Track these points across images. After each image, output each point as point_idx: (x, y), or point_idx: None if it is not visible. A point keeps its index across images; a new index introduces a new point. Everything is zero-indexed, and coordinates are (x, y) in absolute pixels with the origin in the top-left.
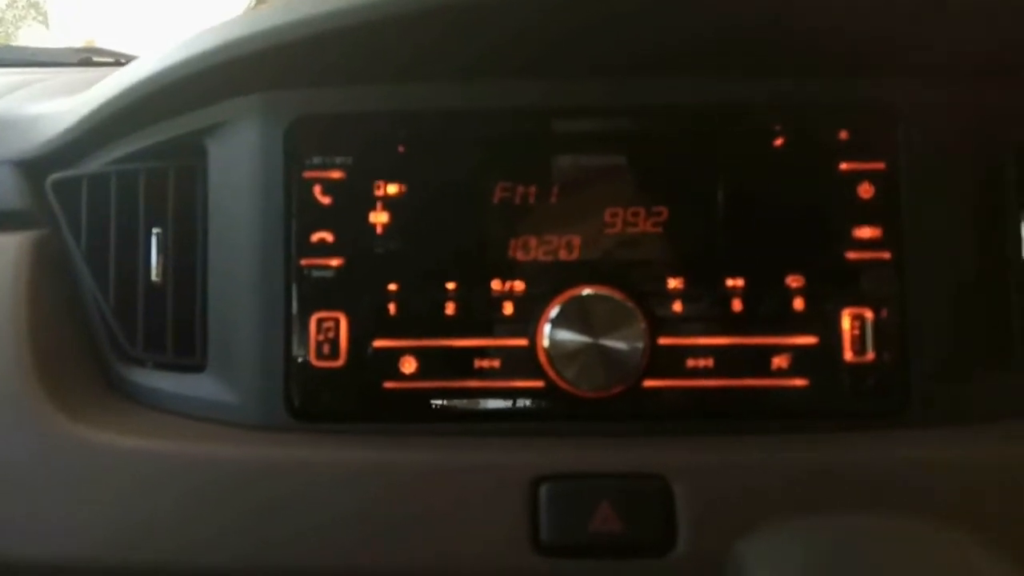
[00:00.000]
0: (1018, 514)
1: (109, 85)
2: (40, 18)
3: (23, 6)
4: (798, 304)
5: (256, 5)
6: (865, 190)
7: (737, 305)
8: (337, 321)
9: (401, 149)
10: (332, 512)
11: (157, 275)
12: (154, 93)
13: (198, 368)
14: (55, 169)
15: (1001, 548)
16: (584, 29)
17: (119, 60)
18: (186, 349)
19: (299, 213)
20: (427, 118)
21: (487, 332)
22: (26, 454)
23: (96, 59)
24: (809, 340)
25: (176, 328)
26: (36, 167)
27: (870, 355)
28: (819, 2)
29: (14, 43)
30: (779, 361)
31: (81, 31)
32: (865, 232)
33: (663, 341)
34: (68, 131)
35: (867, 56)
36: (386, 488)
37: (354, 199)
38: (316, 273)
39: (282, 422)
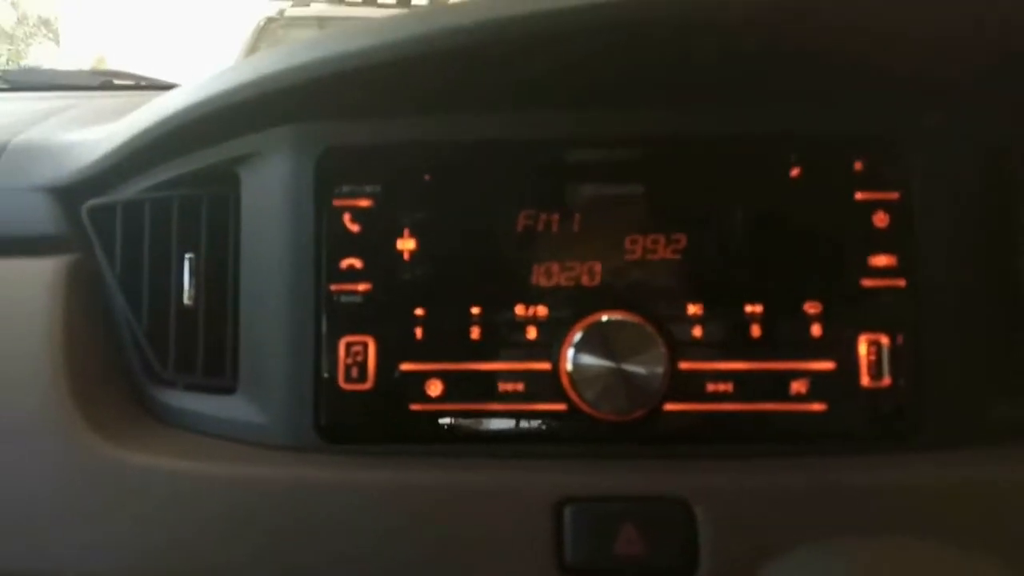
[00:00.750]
0: None
1: (144, 115)
2: (51, 35)
3: (34, 23)
4: (816, 330)
5: (264, 26)
6: (880, 219)
7: (756, 330)
8: (365, 345)
9: (427, 178)
10: (359, 533)
11: (189, 299)
12: (189, 124)
13: (229, 390)
14: (90, 196)
15: (1018, 570)
16: (604, 62)
17: (138, 83)
18: (217, 371)
19: (329, 240)
20: (453, 149)
21: (511, 356)
22: (60, 474)
23: (116, 82)
24: (827, 365)
25: (207, 350)
26: (71, 194)
27: (886, 380)
28: (835, 36)
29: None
30: (797, 386)
31: (91, 48)
32: (880, 260)
33: (683, 366)
34: (103, 159)
35: (880, 88)
36: (412, 509)
37: (382, 227)
38: (345, 298)
39: (311, 443)
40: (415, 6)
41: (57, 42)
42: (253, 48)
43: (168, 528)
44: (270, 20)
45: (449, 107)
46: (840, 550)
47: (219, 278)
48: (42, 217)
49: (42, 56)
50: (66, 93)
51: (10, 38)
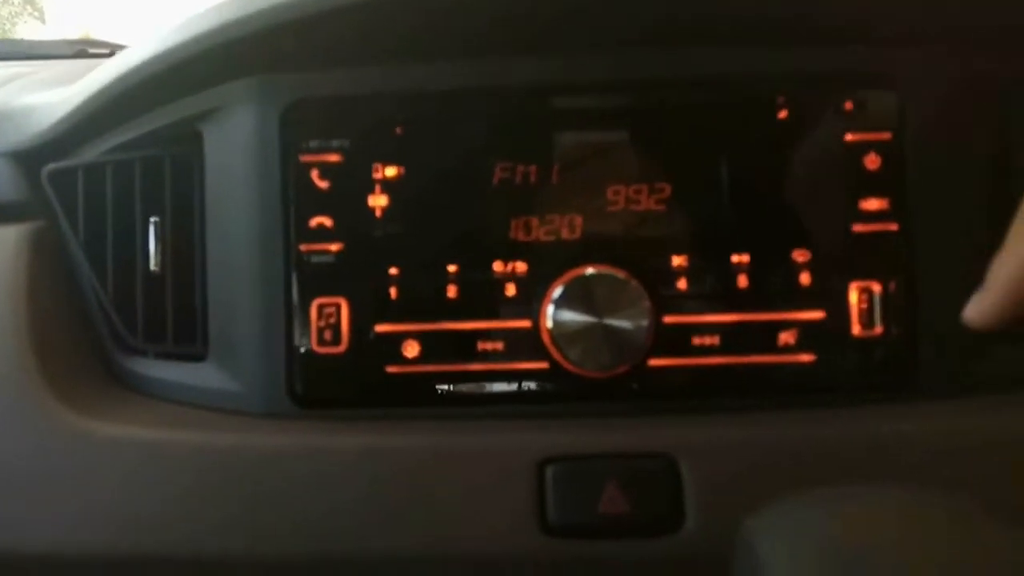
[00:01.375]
0: None
1: (102, 73)
2: (36, 14)
3: (19, 2)
4: (804, 279)
5: None
6: (871, 161)
7: (743, 281)
8: (338, 306)
9: (399, 131)
10: (337, 498)
11: (156, 264)
12: (147, 79)
13: (199, 357)
14: (51, 160)
15: (1010, 517)
16: (582, 4)
17: (114, 51)
18: (187, 338)
19: (297, 198)
20: (424, 99)
21: (490, 314)
22: (29, 446)
23: (91, 51)
24: (816, 315)
25: (176, 317)
26: (32, 158)
27: (878, 329)
28: None
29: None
30: (786, 337)
31: (77, 26)
32: (872, 204)
33: (668, 319)
34: (62, 121)
35: (869, 24)
36: (391, 473)
37: (352, 183)
38: (316, 258)
39: (285, 409)
40: None
41: (43, 20)
42: None
43: (141, 498)
44: None
45: (419, 55)
46: (829, 499)
47: (186, 242)
48: (2, 183)
49: (28, 35)
50: (40, 62)
51: None
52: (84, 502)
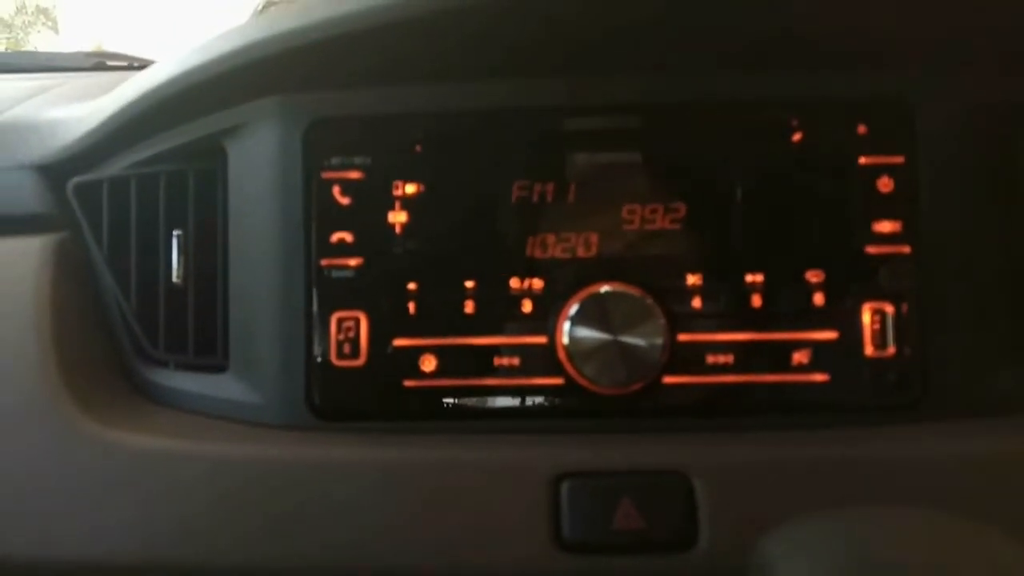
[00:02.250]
0: None
1: (129, 89)
2: (50, 23)
3: (33, 12)
4: (818, 299)
5: (263, 10)
6: (884, 184)
7: (756, 301)
8: (357, 320)
9: (418, 149)
10: (354, 509)
11: (178, 277)
12: (173, 97)
13: (220, 369)
14: (76, 173)
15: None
16: (599, 30)
17: (131, 64)
18: (207, 350)
19: (318, 214)
20: (444, 119)
21: (506, 330)
22: (50, 456)
23: (109, 63)
24: (829, 335)
25: (197, 329)
26: (57, 171)
27: (891, 349)
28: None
29: (24, 48)
30: (799, 356)
31: (90, 35)
32: (885, 226)
33: (683, 337)
34: (88, 135)
35: (883, 50)
36: (408, 485)
37: (373, 199)
38: (336, 273)
39: (304, 421)
40: None
41: (56, 30)
42: None
43: (162, 508)
44: (268, 3)
45: (440, 76)
46: (845, 520)
47: (208, 255)
48: (29, 195)
49: (41, 45)
50: (59, 74)
51: (9, 27)
52: (106, 511)
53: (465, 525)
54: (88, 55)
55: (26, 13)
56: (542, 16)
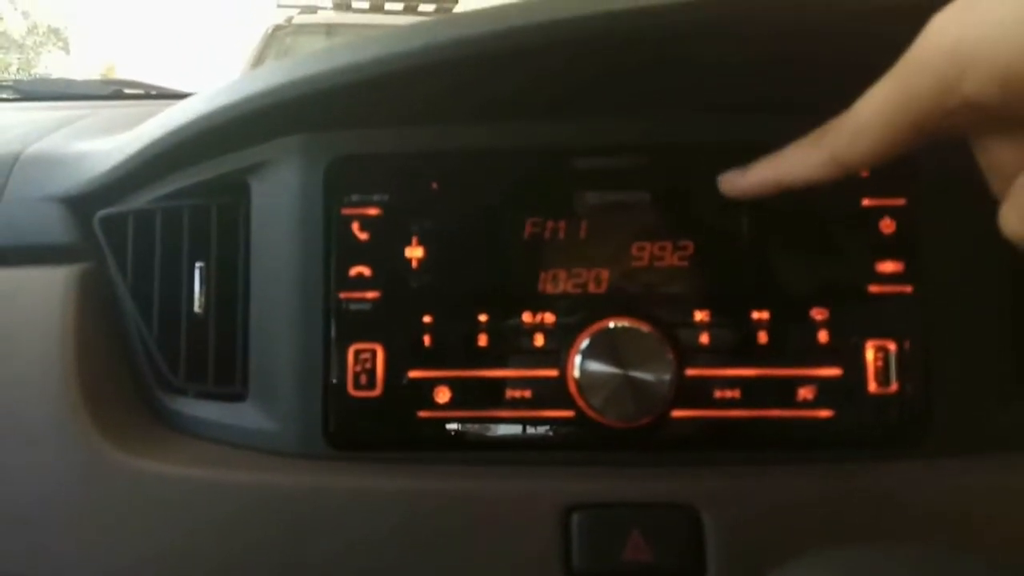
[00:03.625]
0: None
1: (155, 125)
2: (61, 44)
3: (44, 33)
4: (823, 336)
5: (273, 33)
6: (886, 225)
7: (763, 337)
8: (374, 352)
9: (435, 187)
10: (367, 538)
11: (200, 307)
12: (199, 134)
13: (239, 397)
14: (101, 205)
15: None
16: (607, 72)
17: (149, 92)
18: (227, 379)
19: (338, 248)
20: (459, 157)
21: (519, 363)
22: (73, 482)
23: (126, 91)
24: (834, 372)
25: (217, 358)
26: (83, 203)
27: (894, 386)
28: (842, 41)
29: (35, 68)
30: (804, 392)
31: (101, 56)
32: (887, 266)
33: (690, 372)
34: (115, 169)
35: None
36: (420, 515)
37: (390, 235)
38: (354, 306)
39: (320, 450)
40: (422, 12)
41: (67, 51)
42: (261, 56)
43: (179, 535)
44: (278, 28)
45: (456, 117)
46: (848, 555)
47: (229, 286)
48: (55, 226)
49: (52, 64)
50: (77, 103)
51: (20, 47)
52: (127, 538)
53: (477, 554)
54: (105, 83)
55: (37, 33)
56: (559, 64)
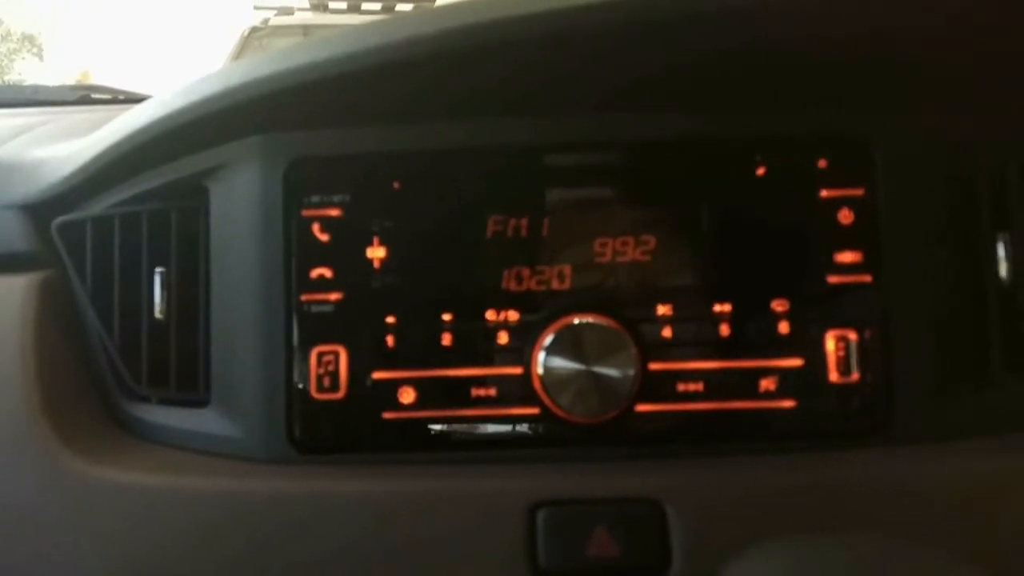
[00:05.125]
0: (999, 527)
1: (111, 130)
2: (35, 51)
3: (17, 40)
4: (783, 328)
5: (248, 35)
6: (845, 216)
7: (725, 330)
8: (337, 354)
9: (396, 186)
10: (334, 542)
11: (160, 313)
12: (155, 138)
13: (202, 403)
14: (60, 212)
15: (982, 561)
16: (568, 69)
17: (116, 97)
18: (189, 384)
19: (298, 250)
20: (420, 157)
21: (483, 361)
22: (34, 491)
23: (94, 96)
24: (795, 362)
25: (179, 364)
26: (41, 210)
27: (855, 376)
28: (797, 41)
29: (8, 75)
30: (767, 383)
31: (76, 63)
32: (846, 256)
33: (654, 366)
34: (72, 176)
35: (843, 91)
36: (386, 517)
37: (352, 236)
38: (316, 308)
39: (285, 455)
40: (399, 12)
41: (41, 58)
42: (238, 58)
43: (142, 543)
44: (254, 30)
45: (416, 116)
46: (805, 544)
47: (190, 291)
48: (13, 234)
49: (26, 71)
50: (44, 109)
51: None
52: (90, 547)
53: (443, 554)
54: (73, 88)
55: (11, 40)
56: (515, 61)
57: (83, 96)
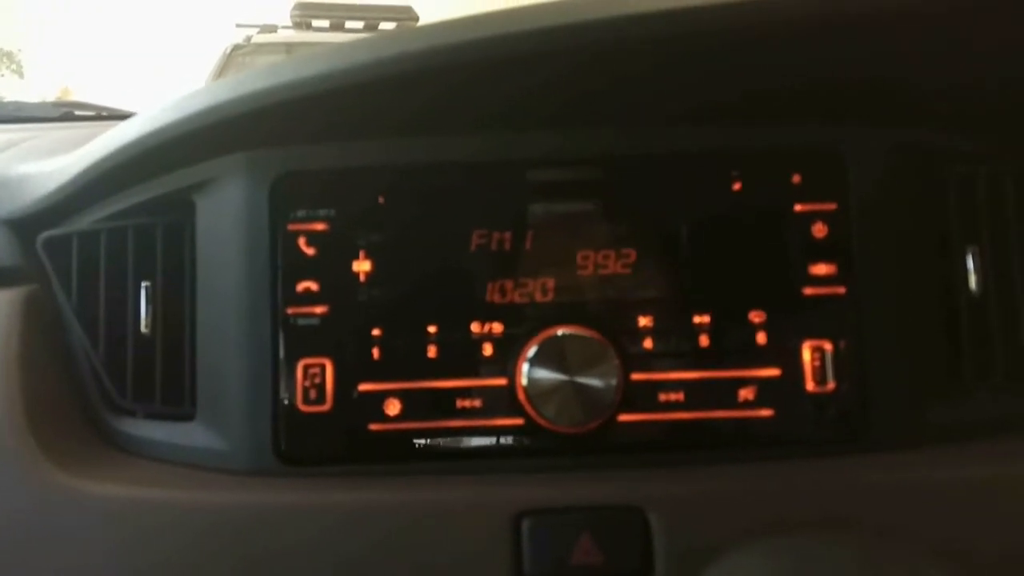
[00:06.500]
0: (972, 532)
1: (98, 146)
2: (14, 67)
3: None
4: (761, 338)
5: (231, 53)
6: (819, 229)
7: (704, 340)
8: (323, 367)
9: (381, 201)
10: (321, 556)
11: (146, 327)
12: (142, 153)
13: (188, 417)
14: (45, 227)
15: (956, 565)
16: (550, 86)
17: (99, 114)
18: (175, 398)
19: (285, 264)
20: (405, 171)
21: (468, 373)
22: (19, 506)
23: (77, 113)
24: (773, 372)
25: (165, 378)
26: (26, 225)
27: (831, 385)
28: (773, 61)
29: None
30: (745, 393)
31: (56, 80)
32: (820, 268)
33: (636, 377)
34: (58, 191)
35: (815, 106)
36: (373, 528)
37: (337, 249)
38: (302, 321)
39: (271, 467)
40: (382, 31)
41: (21, 75)
42: (221, 76)
43: (129, 557)
44: (237, 48)
45: (401, 131)
46: (783, 549)
47: (176, 305)
48: None
49: (6, 89)
50: (27, 125)
51: None
52: (75, 561)
53: (430, 564)
54: (55, 105)
55: None
56: (500, 78)
57: (66, 113)
